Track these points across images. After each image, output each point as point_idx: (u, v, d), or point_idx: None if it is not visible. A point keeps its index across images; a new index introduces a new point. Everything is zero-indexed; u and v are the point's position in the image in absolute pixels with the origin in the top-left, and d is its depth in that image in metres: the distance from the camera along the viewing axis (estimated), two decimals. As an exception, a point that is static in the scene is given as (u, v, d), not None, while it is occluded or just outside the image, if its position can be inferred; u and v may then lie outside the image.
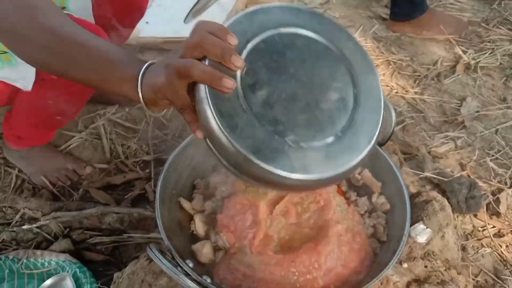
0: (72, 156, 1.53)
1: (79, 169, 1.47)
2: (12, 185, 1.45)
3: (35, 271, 1.19)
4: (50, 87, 1.08)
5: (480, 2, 2.25)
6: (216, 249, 0.92)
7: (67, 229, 1.32)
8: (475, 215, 1.32)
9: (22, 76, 1.02)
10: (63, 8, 1.14)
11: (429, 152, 1.50)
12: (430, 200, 1.03)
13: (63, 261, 1.19)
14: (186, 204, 0.98)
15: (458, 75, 1.83)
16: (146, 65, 0.68)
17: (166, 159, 1.49)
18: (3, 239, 1.30)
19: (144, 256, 0.99)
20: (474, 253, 1.23)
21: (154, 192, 1.41)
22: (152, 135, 1.61)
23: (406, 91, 1.77)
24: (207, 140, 0.66)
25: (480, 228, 1.29)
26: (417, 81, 1.82)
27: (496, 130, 1.60)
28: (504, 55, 1.91)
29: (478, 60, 1.88)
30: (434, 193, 1.14)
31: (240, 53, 0.65)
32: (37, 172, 1.41)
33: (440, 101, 1.72)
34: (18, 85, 1.04)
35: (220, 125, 0.61)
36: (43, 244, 1.31)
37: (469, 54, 1.91)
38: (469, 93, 1.76)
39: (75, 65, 0.71)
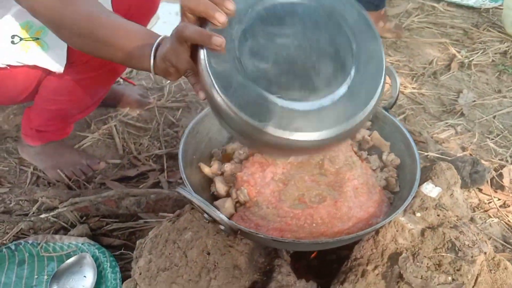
0: (86, 152, 1.58)
1: (93, 164, 1.51)
2: (28, 181, 1.48)
3: (54, 254, 1.21)
4: (78, 70, 1.15)
5: (469, 10, 2.38)
6: (236, 205, 0.95)
7: (84, 218, 1.35)
8: (480, 190, 1.36)
9: (54, 59, 1.10)
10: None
11: (431, 137, 1.56)
12: (437, 162, 1.08)
13: (82, 244, 1.22)
14: (205, 169, 1.02)
15: (453, 72, 1.92)
16: (158, 39, 0.76)
17: (178, 153, 1.58)
18: (21, 229, 1.32)
19: (167, 219, 1.02)
20: (482, 223, 1.27)
21: (168, 182, 1.47)
22: (163, 132, 1.67)
23: (405, 87, 1.85)
24: (208, 100, 0.71)
25: (486, 201, 1.33)
26: (414, 79, 1.90)
27: (494, 117, 1.67)
28: (495, 53, 2.01)
29: (472, 58, 1.98)
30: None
31: (241, 19, 0.69)
32: (52, 167, 1.45)
33: (438, 94, 1.80)
34: (50, 68, 1.11)
35: (215, 84, 0.65)
36: (61, 232, 1.33)
37: (463, 54, 2.01)
38: (465, 86, 1.84)
39: (108, 47, 0.80)
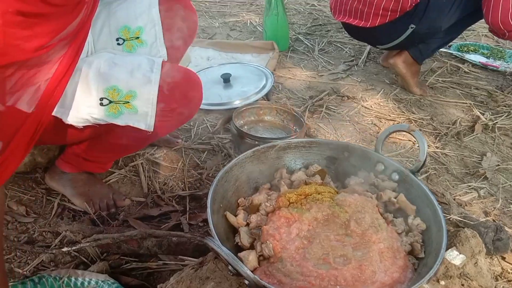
0: (113, 188, 1.61)
1: (119, 200, 1.55)
2: (53, 212, 1.52)
3: (74, 289, 1.22)
4: (162, 114, 1.24)
5: (494, 73, 2.42)
6: (259, 259, 0.96)
7: (104, 254, 1.37)
8: (503, 258, 1.34)
9: (145, 120, 1.21)
10: (137, 38, 1.31)
11: (453, 199, 1.55)
12: (462, 228, 1.08)
13: (103, 281, 1.23)
14: (231, 218, 1.05)
15: (477, 134, 1.93)
16: None
17: (201, 195, 1.60)
18: (42, 260, 1.35)
19: (189, 267, 1.03)
20: (505, 293, 1.24)
21: (189, 224, 1.48)
22: (187, 173, 1.70)
23: (428, 145, 1.86)
24: None
25: (510, 270, 1.31)
26: (437, 138, 1.92)
27: (518, 182, 1.66)
28: (520, 118, 2.02)
29: (496, 121, 1.99)
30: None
31: None
32: (81, 195, 1.49)
33: (461, 155, 1.81)
34: (141, 127, 1.22)
35: None
36: (80, 267, 1.35)
37: (487, 116, 2.03)
38: (488, 149, 1.84)
39: None
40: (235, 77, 2.26)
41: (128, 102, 1.18)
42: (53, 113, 1.18)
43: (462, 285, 0.95)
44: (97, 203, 1.50)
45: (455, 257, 1.04)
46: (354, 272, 0.89)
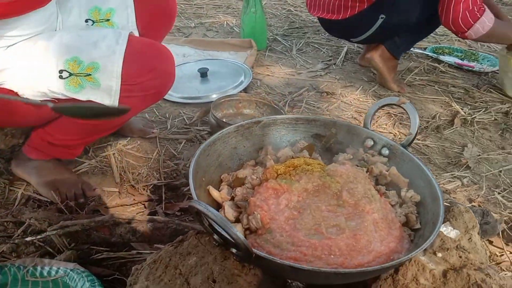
0: (82, 178, 1.51)
1: (88, 190, 1.44)
2: (17, 203, 1.40)
3: (40, 279, 1.11)
4: (129, 89, 1.14)
5: (469, 73, 2.45)
6: (246, 233, 0.89)
7: (72, 244, 1.26)
8: (491, 242, 1.31)
9: (108, 94, 1.11)
10: (107, 20, 1.23)
11: (438, 187, 1.52)
12: (456, 204, 1.04)
13: (72, 270, 1.12)
14: (215, 193, 0.97)
15: (456, 127, 1.93)
16: None
17: (177, 185, 1.52)
18: (3, 251, 1.22)
19: (168, 244, 0.94)
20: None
21: (165, 213, 1.39)
22: (163, 164, 1.61)
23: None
24: None
25: (497, 253, 1.28)
26: (418, 131, 1.90)
27: (500, 171, 1.65)
28: (497, 113, 2.03)
29: (474, 116, 1.99)
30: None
31: None
32: (47, 184, 1.38)
33: (442, 147, 1.79)
34: (105, 102, 1.12)
35: None
36: (46, 258, 1.23)
37: (465, 111, 2.03)
38: (468, 141, 1.84)
39: None
40: (212, 72, 2.20)
41: (90, 74, 1.08)
42: (7, 87, 1.09)
43: (460, 257, 0.90)
44: (65, 192, 1.39)
45: (449, 232, 0.99)
46: (349, 242, 0.83)
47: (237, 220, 0.93)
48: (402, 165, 1.04)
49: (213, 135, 1.04)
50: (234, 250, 0.76)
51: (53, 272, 1.12)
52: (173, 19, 1.45)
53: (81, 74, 1.07)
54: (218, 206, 0.97)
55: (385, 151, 1.09)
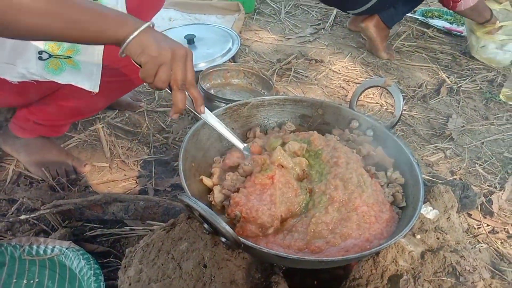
0: (72, 154, 1.52)
1: (78, 166, 1.45)
2: (9, 179, 1.41)
3: (36, 258, 1.14)
4: (110, 73, 1.13)
5: (458, 38, 2.44)
6: (230, 222, 0.92)
7: (66, 221, 1.29)
8: (470, 215, 1.37)
9: (89, 78, 1.09)
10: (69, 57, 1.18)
11: (421, 160, 1.57)
12: (436, 184, 1.08)
13: (67, 248, 1.16)
14: (207, 181, 0.99)
15: (442, 96, 1.95)
16: (149, 23, 0.83)
17: (168, 160, 1.54)
18: (-2, 229, 1.25)
19: (160, 228, 0.98)
20: (472, 248, 1.27)
21: (156, 189, 1.42)
22: (152, 138, 1.62)
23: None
24: None
25: (475, 226, 1.34)
26: (404, 101, 1.92)
27: (482, 143, 1.69)
28: (483, 81, 2.06)
29: (460, 84, 2.02)
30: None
31: None
32: (36, 162, 1.39)
33: (427, 117, 1.82)
34: (85, 87, 1.10)
35: None
36: (41, 235, 1.26)
37: (451, 79, 2.05)
38: (453, 111, 1.87)
39: (76, 25, 0.78)
40: (199, 38, 2.16)
41: (70, 57, 1.06)
42: None
43: (437, 238, 0.95)
44: (55, 169, 1.40)
45: (428, 212, 1.04)
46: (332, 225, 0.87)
47: (224, 208, 0.96)
48: (386, 147, 1.07)
49: (201, 120, 1.05)
50: (223, 239, 0.80)
51: (48, 251, 1.15)
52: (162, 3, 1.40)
53: (61, 56, 1.05)
54: (208, 190, 1.00)
55: (370, 133, 1.12)
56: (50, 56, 1.06)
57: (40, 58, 1.06)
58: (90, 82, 1.10)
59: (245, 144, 1.05)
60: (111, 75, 1.11)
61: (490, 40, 2.10)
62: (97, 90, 1.10)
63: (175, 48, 0.84)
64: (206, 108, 0.97)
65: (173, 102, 0.90)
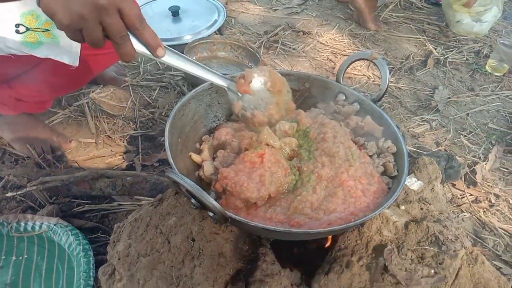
0: (57, 130, 1.50)
1: (64, 143, 1.44)
2: (-7, 157, 1.40)
3: (25, 234, 1.15)
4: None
5: (445, 8, 2.43)
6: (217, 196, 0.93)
7: (53, 198, 1.29)
8: (454, 185, 1.40)
9: (68, 52, 1.05)
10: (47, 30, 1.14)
11: (407, 131, 1.58)
12: (421, 156, 1.09)
13: (55, 224, 1.16)
14: (196, 157, 0.99)
15: (429, 68, 1.96)
16: None
17: (154, 135, 1.53)
18: (-16, 207, 1.25)
19: (148, 204, 0.98)
20: (455, 217, 1.30)
21: (143, 165, 1.42)
22: (138, 113, 1.61)
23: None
24: None
25: (459, 196, 1.37)
26: (391, 72, 1.92)
27: (467, 114, 1.71)
28: (469, 52, 2.06)
29: (447, 56, 2.02)
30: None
31: None
32: (21, 139, 1.37)
33: (414, 89, 1.83)
34: (64, 61, 1.06)
35: None
36: (28, 212, 1.26)
37: (438, 51, 2.05)
38: (440, 83, 1.88)
39: None
40: (184, 10, 2.12)
41: (48, 30, 1.02)
42: None
43: (421, 209, 0.97)
44: (40, 146, 1.39)
45: (413, 183, 1.06)
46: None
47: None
48: (372, 119, 1.07)
49: (186, 95, 1.04)
50: (211, 214, 0.80)
51: (36, 227, 1.15)
52: None
53: (39, 29, 1.01)
54: (195, 167, 1.00)
55: (356, 106, 1.12)
56: (28, 29, 1.02)
57: (17, 32, 1.02)
58: (69, 56, 1.06)
59: (230, 80, 0.90)
60: (91, 48, 1.09)
61: (467, 13, 2.10)
62: (77, 64, 1.07)
63: (93, 0, 0.67)
64: (167, 48, 0.80)
65: (118, 55, 0.76)
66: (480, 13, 2.09)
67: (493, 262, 1.19)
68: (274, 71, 0.92)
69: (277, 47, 2.02)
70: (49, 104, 1.41)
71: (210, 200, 0.73)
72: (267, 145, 0.96)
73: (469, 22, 2.11)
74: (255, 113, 0.89)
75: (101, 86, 1.69)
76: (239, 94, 0.89)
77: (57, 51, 1.06)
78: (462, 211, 1.32)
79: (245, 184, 0.89)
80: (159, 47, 0.77)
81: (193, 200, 0.84)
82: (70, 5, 0.66)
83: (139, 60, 1.86)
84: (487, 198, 1.36)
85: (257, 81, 0.89)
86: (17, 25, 1.01)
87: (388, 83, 1.06)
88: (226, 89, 0.90)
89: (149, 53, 0.78)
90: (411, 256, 0.88)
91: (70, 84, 1.30)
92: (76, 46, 1.05)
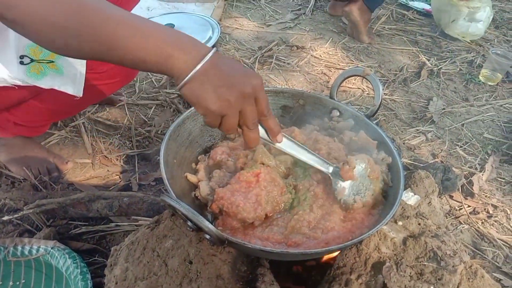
0: (53, 151, 1.50)
1: (60, 164, 1.44)
2: (-11, 180, 1.39)
3: (22, 259, 1.14)
4: (96, 77, 1.10)
5: (437, 19, 2.45)
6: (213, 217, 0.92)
7: (50, 220, 1.29)
8: (451, 197, 1.40)
9: (73, 82, 1.06)
10: (52, 62, 1.15)
11: (403, 144, 1.59)
12: (416, 170, 1.09)
13: (52, 248, 1.15)
14: (192, 178, 0.99)
15: (423, 79, 1.97)
16: (213, 50, 0.67)
17: (150, 154, 1.53)
18: (-19, 232, 1.24)
19: (145, 226, 0.98)
20: (454, 229, 1.30)
21: (140, 184, 1.42)
22: (134, 132, 1.61)
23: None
24: None
25: (457, 207, 1.37)
26: (386, 85, 1.94)
27: (463, 125, 1.72)
28: (463, 63, 2.08)
29: (440, 66, 2.03)
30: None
31: None
32: (17, 162, 1.37)
33: (408, 101, 1.84)
34: (68, 91, 1.07)
35: None
36: (25, 235, 1.26)
37: (432, 62, 2.07)
38: (434, 94, 1.89)
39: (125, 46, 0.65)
40: (178, 27, 2.13)
41: (53, 61, 1.04)
42: None
43: (419, 224, 0.97)
44: (37, 168, 1.39)
45: (409, 198, 1.06)
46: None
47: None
48: (366, 134, 1.07)
49: (181, 115, 1.04)
50: (207, 236, 0.80)
51: (34, 251, 1.15)
52: None
53: (44, 61, 1.03)
54: (192, 188, 1.00)
55: (351, 122, 1.12)
56: (32, 60, 1.03)
57: (22, 63, 1.03)
58: (73, 87, 1.07)
59: (333, 166, 0.91)
60: (95, 79, 1.10)
61: (464, 6, 2.09)
62: (81, 95, 1.07)
63: (240, 88, 0.68)
64: (283, 135, 0.83)
65: (244, 140, 0.78)
66: (476, 8, 2.09)
67: (493, 274, 1.19)
68: (371, 158, 0.95)
69: (272, 62, 2.03)
70: (46, 128, 1.41)
71: (205, 223, 0.73)
72: (263, 163, 0.96)
73: (464, 22, 2.12)
74: (356, 199, 0.90)
75: (97, 106, 1.70)
76: (343, 180, 0.90)
77: (61, 82, 1.07)
78: (461, 223, 1.32)
79: (241, 205, 0.89)
80: (279, 134, 0.81)
81: (189, 223, 0.83)
82: (220, 91, 0.67)
83: (135, 79, 1.87)
84: (485, 209, 1.36)
85: (359, 168, 0.92)
86: (22, 57, 1.02)
87: (381, 98, 1.06)
88: (329, 175, 0.91)
89: (268, 138, 0.81)
90: (410, 273, 0.87)
91: (71, 110, 1.31)
92: (80, 77, 1.06)
